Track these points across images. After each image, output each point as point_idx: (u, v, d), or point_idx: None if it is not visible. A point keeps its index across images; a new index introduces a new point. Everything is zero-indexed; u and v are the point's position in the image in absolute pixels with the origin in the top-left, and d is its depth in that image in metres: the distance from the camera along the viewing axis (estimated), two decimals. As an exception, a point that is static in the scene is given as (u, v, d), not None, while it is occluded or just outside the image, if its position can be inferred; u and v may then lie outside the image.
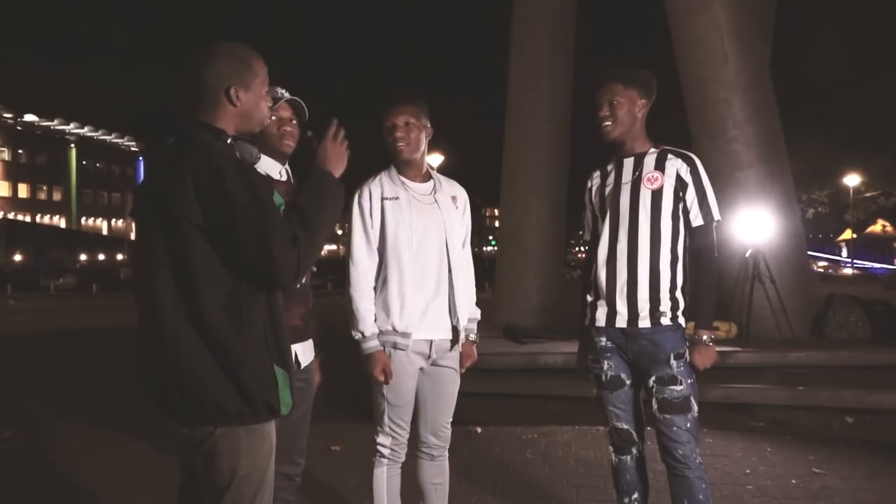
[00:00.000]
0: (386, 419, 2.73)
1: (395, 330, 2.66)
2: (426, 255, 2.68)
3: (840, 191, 32.99)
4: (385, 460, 2.76)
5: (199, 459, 1.76)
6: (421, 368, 2.73)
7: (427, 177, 2.79)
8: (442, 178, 2.85)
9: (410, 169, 2.74)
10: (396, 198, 2.68)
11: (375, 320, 2.66)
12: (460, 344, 2.79)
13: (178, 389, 1.71)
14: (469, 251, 2.91)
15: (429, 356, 2.71)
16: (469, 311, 2.85)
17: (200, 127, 1.82)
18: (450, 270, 2.70)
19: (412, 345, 2.66)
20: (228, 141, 1.84)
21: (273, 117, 2.43)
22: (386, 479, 2.77)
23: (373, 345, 2.64)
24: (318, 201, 1.81)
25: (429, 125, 2.75)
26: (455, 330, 2.72)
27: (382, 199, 2.69)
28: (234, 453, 1.74)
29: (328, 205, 1.83)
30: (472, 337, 2.87)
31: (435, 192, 2.76)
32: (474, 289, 2.93)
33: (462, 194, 2.87)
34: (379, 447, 2.76)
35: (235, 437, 1.74)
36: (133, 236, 1.94)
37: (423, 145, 2.74)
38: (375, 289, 2.69)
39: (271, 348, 1.77)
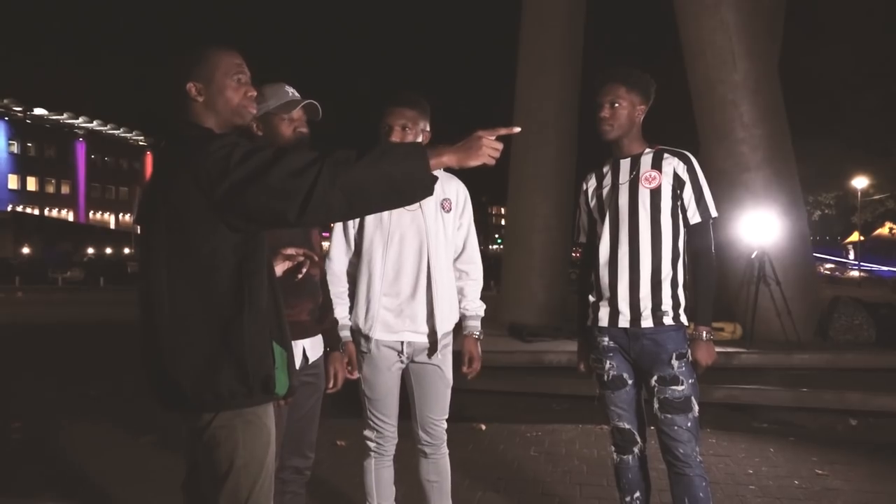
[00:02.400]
0: (368, 412, 2.79)
1: (359, 331, 2.72)
2: (403, 261, 2.68)
3: (848, 193, 32.87)
4: (373, 453, 2.82)
5: (199, 451, 1.81)
6: (401, 362, 2.75)
7: None
8: (438, 175, 2.80)
9: None
10: None
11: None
12: (450, 343, 2.79)
13: (173, 378, 1.75)
14: (472, 250, 2.87)
15: (402, 353, 2.73)
16: (468, 310, 2.86)
17: (188, 126, 1.88)
18: (429, 277, 2.69)
19: (382, 343, 2.70)
20: None
21: (286, 118, 2.45)
22: (374, 472, 2.83)
23: (343, 335, 2.73)
24: (382, 158, 1.67)
25: (427, 129, 2.70)
26: (433, 335, 2.72)
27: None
28: (231, 444, 1.78)
29: (392, 168, 1.67)
30: (476, 334, 2.86)
31: None
32: (479, 287, 2.91)
33: (458, 194, 2.81)
34: (366, 441, 2.83)
35: (233, 428, 1.78)
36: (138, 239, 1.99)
37: None
38: (350, 284, 2.76)
39: (272, 327, 1.82)
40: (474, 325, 2.87)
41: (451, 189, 2.81)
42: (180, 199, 1.73)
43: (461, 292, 2.86)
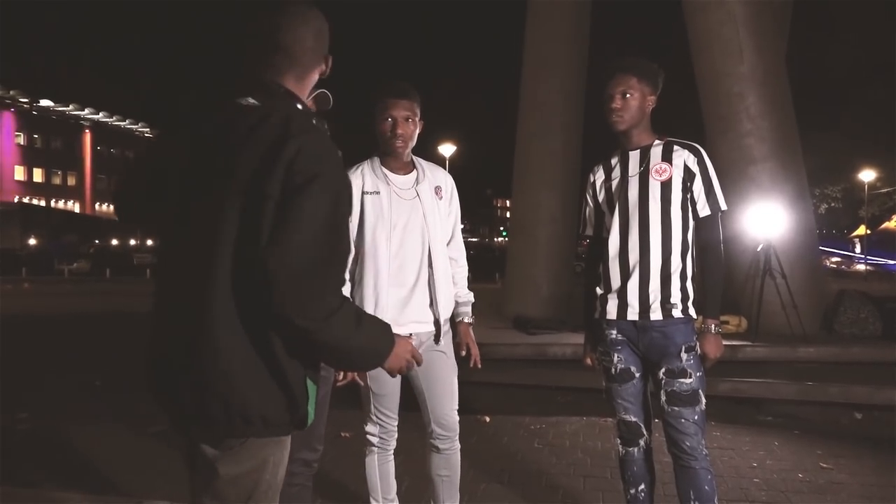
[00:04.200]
0: (372, 408, 2.78)
1: None
2: (406, 250, 2.67)
3: (854, 186, 32.79)
4: (375, 448, 2.83)
5: (222, 469, 1.58)
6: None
7: (410, 167, 2.75)
8: (425, 164, 2.80)
9: (396, 161, 2.71)
10: (377, 192, 2.66)
11: None
12: (448, 330, 2.81)
13: (222, 398, 1.51)
14: (459, 238, 2.90)
15: None
16: (459, 297, 2.87)
17: (288, 95, 1.63)
18: (430, 265, 2.69)
19: None
20: (314, 121, 1.63)
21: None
22: (377, 467, 2.83)
23: None
24: (363, 336, 1.59)
25: (420, 117, 2.72)
26: (437, 322, 2.72)
27: (363, 192, 2.66)
28: (260, 466, 1.61)
29: (368, 345, 1.63)
30: (468, 319, 2.88)
31: (417, 185, 2.72)
32: (466, 273, 2.93)
33: (447, 182, 2.83)
34: (368, 436, 2.82)
35: (263, 447, 1.60)
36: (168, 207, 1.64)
37: (415, 139, 2.72)
38: (351, 282, 2.70)
39: (305, 361, 1.63)
40: (466, 311, 2.89)
41: (439, 177, 2.82)
42: (273, 185, 1.46)
43: (452, 279, 2.86)
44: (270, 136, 1.51)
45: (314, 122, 1.62)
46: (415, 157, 2.79)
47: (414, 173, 2.75)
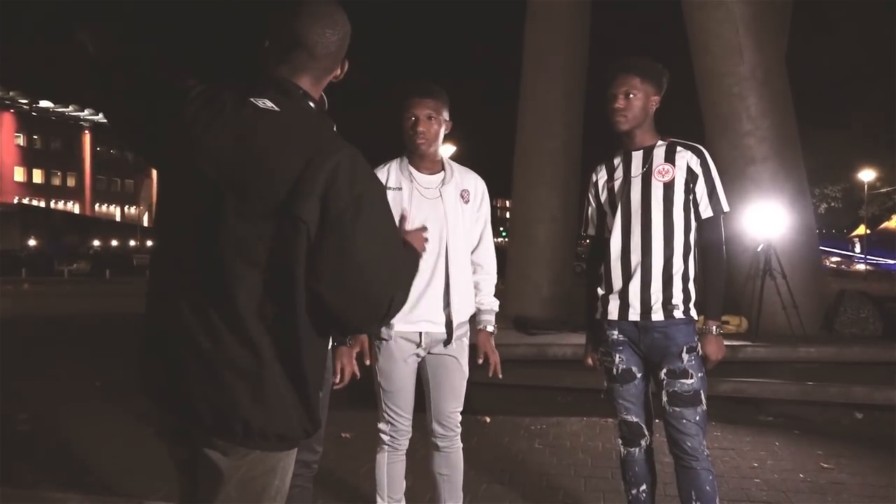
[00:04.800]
0: (383, 405, 2.78)
1: None
2: None
3: (854, 186, 32.79)
4: (386, 447, 2.82)
5: (230, 475, 1.53)
6: (417, 355, 2.74)
7: (438, 168, 2.76)
8: (457, 168, 2.81)
9: (422, 160, 2.73)
10: (399, 188, 2.68)
11: None
12: (467, 334, 2.80)
13: (243, 417, 1.47)
14: (488, 244, 2.87)
15: (419, 345, 2.72)
16: (483, 304, 2.85)
17: (305, 98, 1.58)
18: (447, 266, 2.69)
19: (400, 334, 2.68)
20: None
21: None
22: (386, 465, 2.83)
23: None
24: (410, 281, 1.65)
25: (447, 118, 2.73)
26: (450, 325, 2.71)
27: (385, 187, 2.67)
28: (270, 472, 1.58)
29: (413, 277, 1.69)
30: (490, 328, 2.86)
31: (442, 185, 2.73)
32: (494, 281, 2.90)
33: (476, 186, 2.82)
34: (380, 434, 2.82)
35: (276, 461, 1.57)
36: (173, 200, 1.56)
37: (441, 139, 2.73)
38: None
39: (318, 371, 1.62)
40: (488, 320, 2.86)
41: (469, 181, 2.81)
42: (306, 202, 1.41)
43: (477, 286, 2.85)
44: (301, 151, 1.44)
45: (334, 128, 1.59)
46: (447, 160, 2.80)
47: (441, 174, 2.75)
